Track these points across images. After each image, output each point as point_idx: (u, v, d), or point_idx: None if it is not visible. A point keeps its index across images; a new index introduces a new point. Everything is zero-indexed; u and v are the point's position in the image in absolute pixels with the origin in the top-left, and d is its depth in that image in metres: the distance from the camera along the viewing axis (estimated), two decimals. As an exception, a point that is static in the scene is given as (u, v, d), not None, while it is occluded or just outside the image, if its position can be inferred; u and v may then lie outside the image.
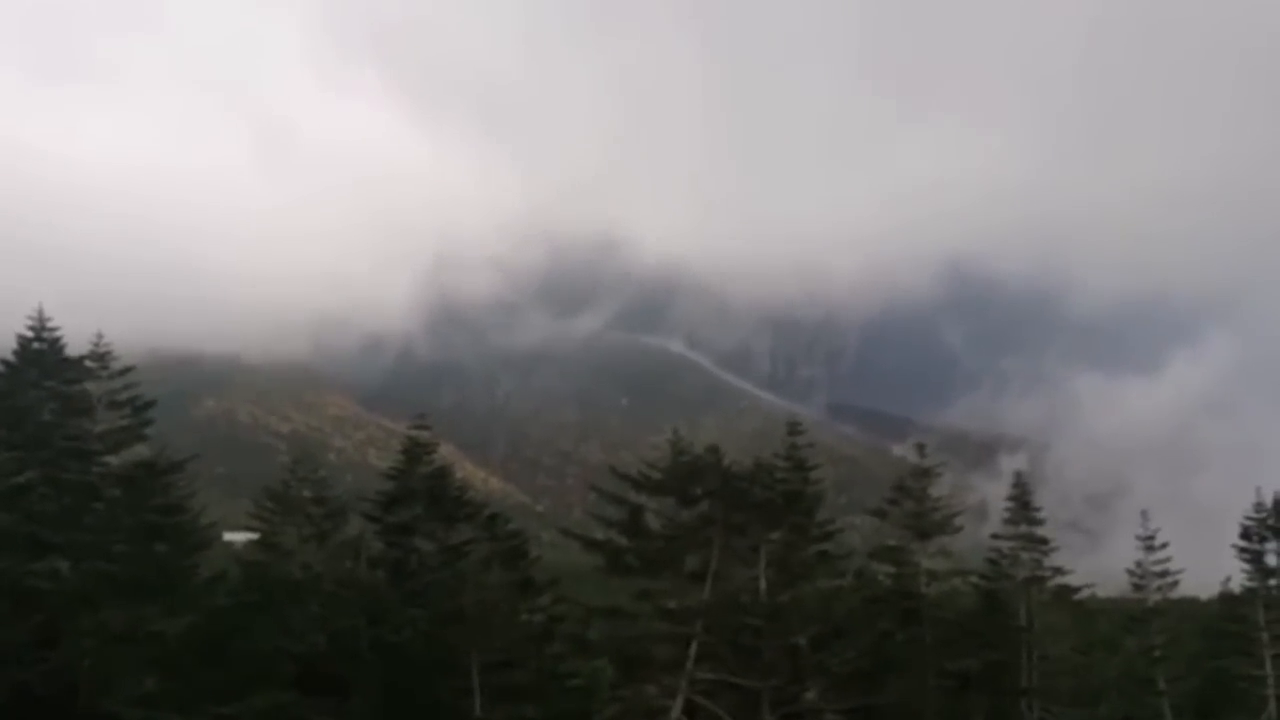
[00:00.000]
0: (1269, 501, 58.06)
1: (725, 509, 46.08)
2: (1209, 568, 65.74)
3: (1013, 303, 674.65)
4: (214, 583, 45.71)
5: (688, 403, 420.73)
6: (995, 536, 55.73)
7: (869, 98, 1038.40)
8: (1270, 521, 57.98)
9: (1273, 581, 58.75)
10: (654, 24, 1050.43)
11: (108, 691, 40.72)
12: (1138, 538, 59.71)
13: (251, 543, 50.81)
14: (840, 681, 46.23)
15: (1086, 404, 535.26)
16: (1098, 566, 67.46)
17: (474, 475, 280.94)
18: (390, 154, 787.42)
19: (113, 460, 44.95)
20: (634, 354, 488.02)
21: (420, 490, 48.47)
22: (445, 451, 57.32)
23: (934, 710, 49.44)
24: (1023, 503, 55.53)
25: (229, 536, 62.65)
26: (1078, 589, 55.56)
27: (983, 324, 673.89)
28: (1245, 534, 58.61)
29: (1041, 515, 55.79)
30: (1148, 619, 59.19)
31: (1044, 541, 54.92)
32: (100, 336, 45.52)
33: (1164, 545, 59.28)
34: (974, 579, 55.20)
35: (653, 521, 47.62)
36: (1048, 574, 54.61)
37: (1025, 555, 54.61)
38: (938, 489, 54.53)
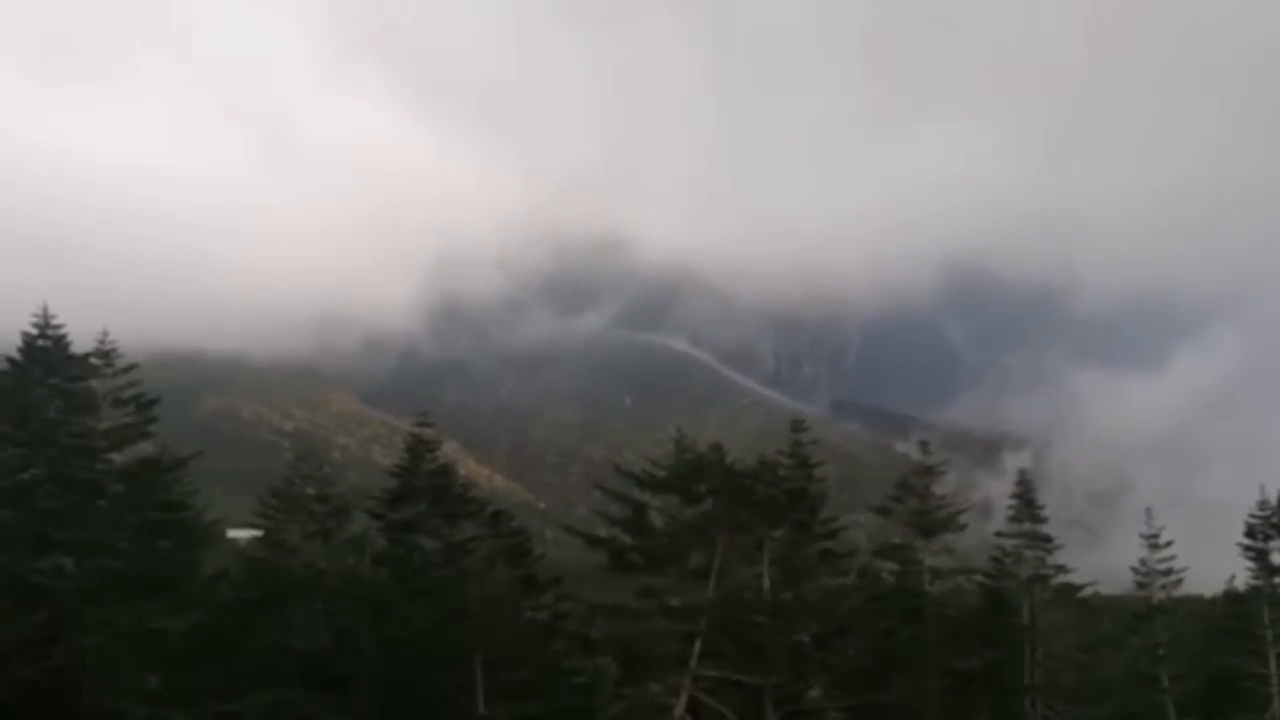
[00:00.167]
0: (1273, 499, 58.00)
1: (729, 507, 46.08)
2: (1213, 565, 65.67)
3: (1016, 300, 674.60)
4: (217, 580, 45.76)
5: (691, 401, 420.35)
6: (999, 534, 55.67)
7: (872, 96, 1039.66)
8: (1275, 519, 57.90)
9: (1277, 579, 58.64)
10: (657, 22, 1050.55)
11: (112, 688, 40.78)
12: (1142, 535, 59.69)
13: (255, 540, 50.87)
14: (844, 679, 46.24)
15: (1090, 401, 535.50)
16: (1101, 564, 67.24)
17: (477, 473, 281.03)
18: (394, 152, 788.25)
19: (117, 457, 44.96)
20: (637, 352, 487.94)
21: (424, 488, 48.50)
22: (448, 449, 57.46)
23: (937, 708, 49.43)
24: (1026, 500, 55.46)
25: (232, 534, 62.74)
26: (1081, 587, 55.49)
27: (986, 321, 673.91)
28: (1250, 532, 58.54)
29: (1045, 513, 55.70)
30: (1151, 617, 59.10)
31: (1047, 539, 54.85)
32: (105, 334, 45.54)
33: (1168, 543, 59.23)
34: (977, 577, 55.21)
35: (656, 519, 47.66)
36: (1051, 572, 54.54)
37: (1029, 553, 54.53)
38: (941, 487, 54.55)
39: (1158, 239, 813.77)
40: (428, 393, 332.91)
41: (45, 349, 44.87)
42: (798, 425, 52.07)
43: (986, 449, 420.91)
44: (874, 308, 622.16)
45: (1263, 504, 58.09)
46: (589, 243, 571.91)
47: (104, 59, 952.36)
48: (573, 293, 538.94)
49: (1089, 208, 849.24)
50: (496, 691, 45.34)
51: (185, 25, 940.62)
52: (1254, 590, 59.46)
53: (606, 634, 47.13)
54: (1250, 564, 58.98)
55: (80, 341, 45.40)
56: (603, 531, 49.03)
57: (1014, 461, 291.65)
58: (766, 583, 46.27)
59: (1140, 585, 60.08)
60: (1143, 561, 59.60)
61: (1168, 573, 59.40)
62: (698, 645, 44.81)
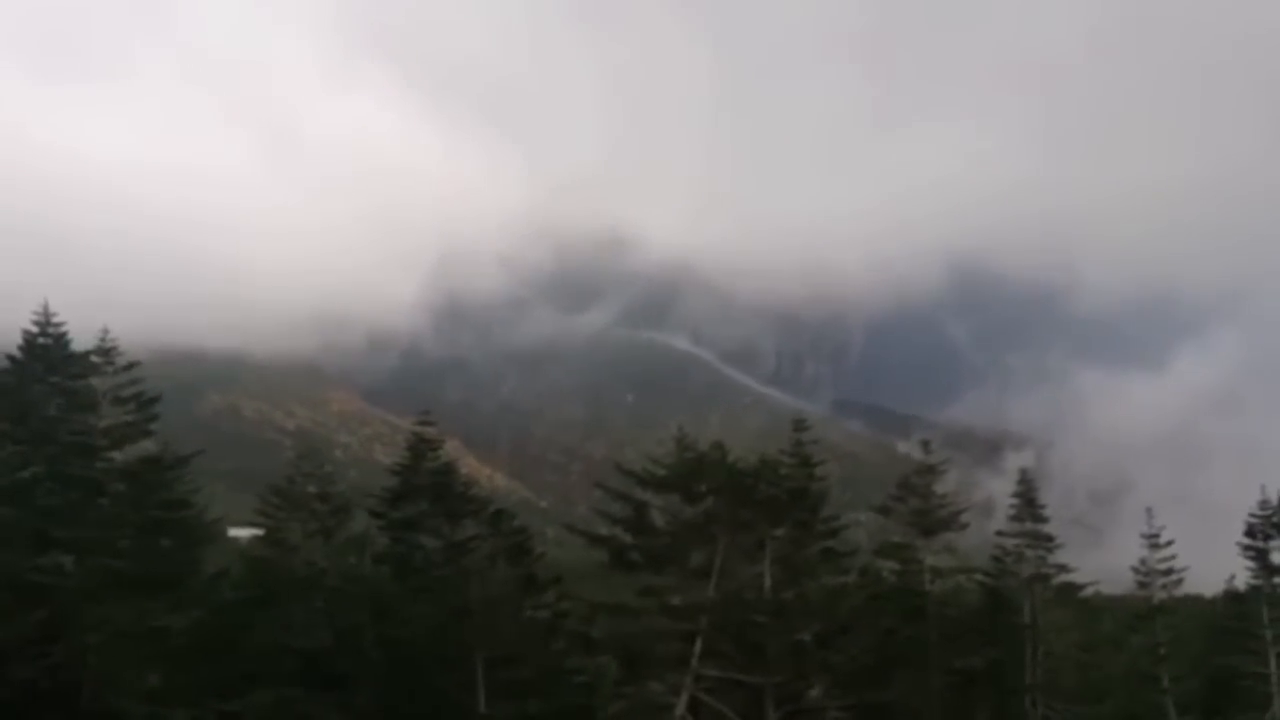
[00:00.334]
0: (1274, 499, 58.05)
1: (730, 505, 46.05)
2: (1214, 565, 65.66)
3: (1018, 299, 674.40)
4: (218, 578, 45.73)
5: (693, 399, 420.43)
6: (1000, 533, 55.65)
7: (873, 95, 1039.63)
8: (1275, 519, 57.92)
9: (1278, 579, 58.67)
10: (659, 22, 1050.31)
11: (112, 687, 40.75)
12: (1143, 535, 59.70)
13: (256, 538, 50.87)
14: (845, 678, 46.19)
15: (1092, 400, 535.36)
16: (1102, 563, 67.24)
17: (479, 471, 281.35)
18: (397, 151, 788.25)
19: (117, 455, 44.89)
20: (639, 351, 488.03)
21: (425, 486, 48.51)
22: (450, 447, 57.32)
23: (938, 707, 49.42)
24: (1028, 500, 55.44)
25: (234, 532, 62.79)
26: (1082, 586, 55.46)
27: (988, 320, 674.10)
28: (1250, 531, 58.54)
29: (1046, 512, 55.68)
30: (1152, 616, 59.11)
31: (1049, 538, 54.82)
32: (106, 332, 45.48)
33: (1169, 542, 59.23)
34: (979, 576, 55.20)
35: (657, 518, 47.61)
36: (1052, 571, 54.51)
37: (1030, 552, 54.51)
38: (943, 486, 54.55)
39: (1159, 238, 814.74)
40: (429, 391, 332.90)
41: (46, 346, 44.81)
42: (799, 424, 52.02)
43: (988, 448, 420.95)
44: (876, 307, 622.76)
45: (1263, 504, 58.09)
46: (591, 241, 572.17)
47: (106, 57, 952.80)
48: (575, 291, 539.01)
49: (1091, 207, 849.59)
50: (497, 690, 45.35)
51: (188, 23, 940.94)
52: (1254, 590, 59.46)
53: (607, 633, 47.10)
54: (1250, 564, 59.00)
55: (81, 339, 45.34)
56: (604, 530, 48.94)
57: (1015, 460, 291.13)
58: (768, 582, 46.23)
59: (1141, 585, 60.09)
60: (1143, 561, 59.61)
61: (1168, 572, 59.41)
62: (699, 644, 44.77)
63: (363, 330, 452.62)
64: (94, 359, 45.03)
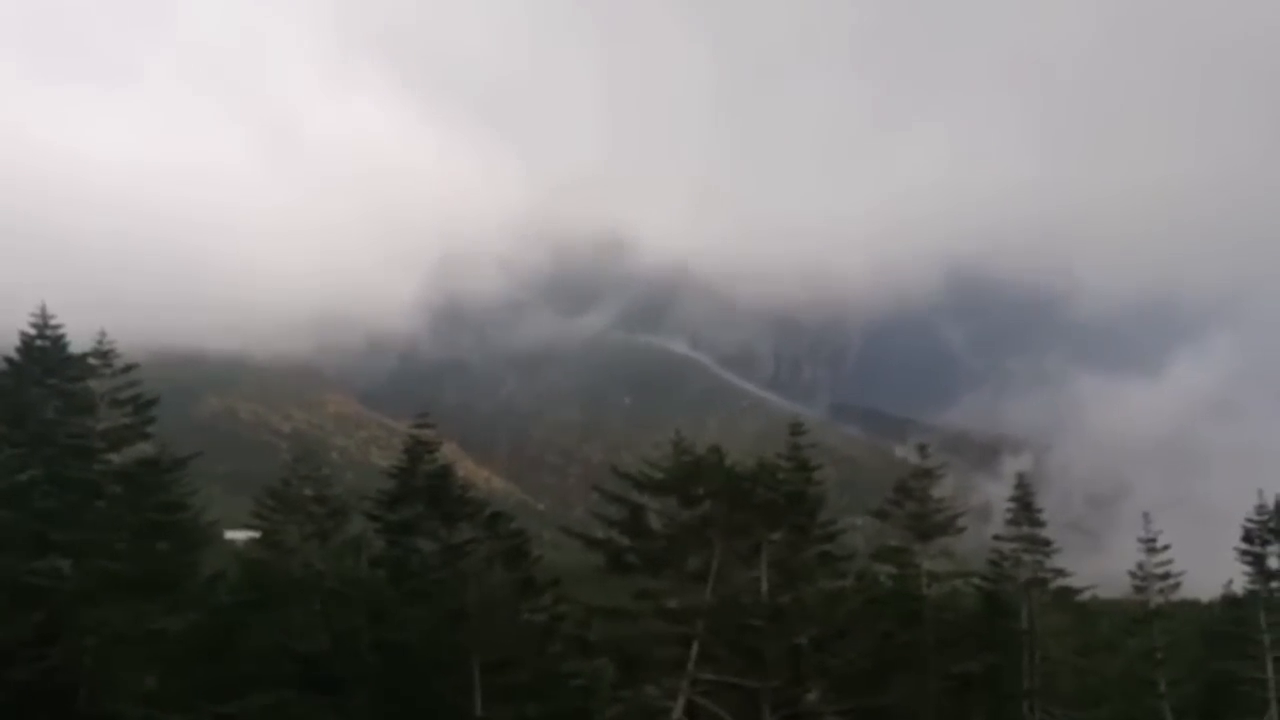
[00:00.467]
0: (1272, 504, 58.02)
1: (727, 509, 46.04)
2: (1211, 570, 65.73)
3: (1015, 303, 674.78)
4: (215, 581, 45.66)
5: (690, 403, 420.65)
6: (997, 538, 55.59)
7: (872, 97, 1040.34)
8: (1272, 524, 57.92)
9: (1275, 584, 58.70)
10: (658, 23, 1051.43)
11: (109, 690, 40.69)
12: (1140, 539, 59.66)
13: (253, 541, 50.84)
14: (841, 682, 46.20)
15: (1089, 405, 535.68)
16: (1099, 568, 67.29)
17: (476, 474, 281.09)
18: (395, 152, 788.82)
19: (115, 458, 44.84)
20: (637, 354, 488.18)
21: (422, 489, 48.47)
22: (447, 450, 57.38)
23: (935, 712, 49.36)
24: (1025, 504, 55.38)
25: (230, 535, 62.67)
26: (1079, 590, 55.39)
27: (985, 324, 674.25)
28: (1247, 536, 58.56)
29: (1043, 516, 55.58)
30: (1149, 621, 59.09)
31: (1046, 543, 54.74)
32: (103, 334, 45.40)
33: (1166, 547, 59.21)
34: (976, 580, 55.13)
35: (654, 521, 47.59)
36: (1049, 575, 54.42)
37: (1027, 556, 54.42)
38: (940, 490, 54.46)
39: (1158, 242, 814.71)
40: (427, 393, 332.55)
41: (43, 349, 44.76)
42: (796, 428, 52.00)
43: (985, 452, 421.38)
44: (874, 310, 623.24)
45: (1260, 509, 58.10)
46: (589, 243, 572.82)
47: (105, 58, 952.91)
48: (573, 293, 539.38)
49: (1089, 210, 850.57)
50: (494, 693, 45.30)
51: (187, 24, 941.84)
52: (1251, 595, 59.51)
53: (604, 636, 47.09)
54: (1248, 569, 59.02)
55: (79, 341, 45.28)
56: (601, 533, 48.96)
57: (1013, 465, 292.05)
58: (765, 585, 46.22)
59: (1138, 589, 60.05)
60: (1141, 565, 59.57)
61: (1165, 577, 59.38)
62: (695, 648, 44.75)
63: (361, 332, 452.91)
64: (92, 361, 44.97)
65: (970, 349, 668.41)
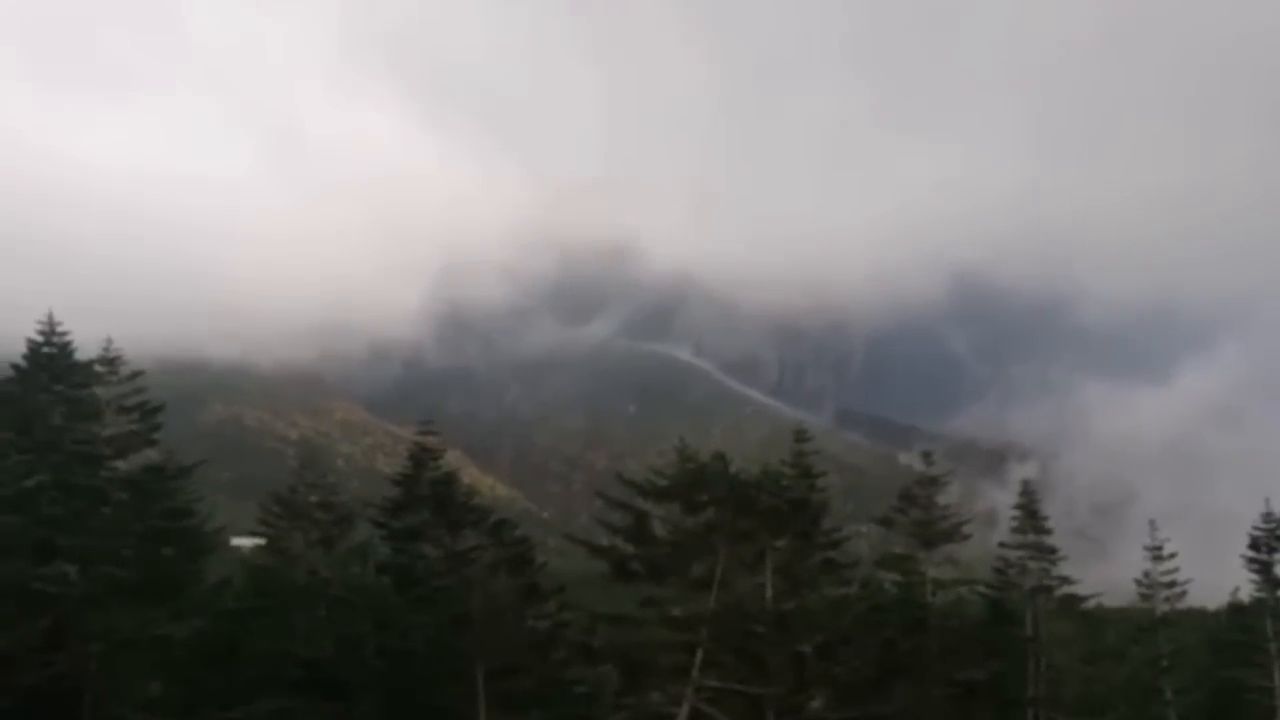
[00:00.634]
0: (1278, 511, 57.91)
1: (731, 516, 46.04)
2: (1217, 578, 65.56)
3: (1021, 310, 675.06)
4: (221, 587, 45.76)
5: (695, 410, 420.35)
6: (1002, 545, 55.58)
7: (875, 105, 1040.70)
8: (1279, 532, 57.80)
9: (1281, 592, 58.58)
10: (661, 31, 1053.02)
11: (115, 695, 40.80)
12: (1146, 547, 59.62)
13: (258, 548, 50.85)
14: (845, 690, 46.14)
15: (1095, 412, 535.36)
16: (1105, 576, 67.35)
17: (481, 481, 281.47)
18: (399, 160, 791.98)
19: (121, 465, 44.99)
20: (641, 361, 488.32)
21: (427, 496, 48.52)
22: (452, 457, 57.33)
23: (939, 719, 49.29)
24: (1030, 511, 55.36)
25: (236, 541, 62.68)
26: (1085, 598, 55.33)
27: (990, 332, 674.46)
28: (1254, 544, 58.48)
29: (1049, 524, 55.56)
30: (1155, 629, 59.04)
31: (1051, 550, 54.74)
32: (109, 341, 45.58)
33: (1172, 555, 59.18)
34: (981, 588, 55.08)
35: (659, 528, 47.57)
36: (1055, 583, 54.42)
37: (1032, 564, 54.42)
38: (945, 497, 54.45)
39: (1163, 248, 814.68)
40: (432, 401, 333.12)
41: (50, 356, 44.92)
42: (801, 435, 51.97)
43: (991, 459, 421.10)
44: (878, 318, 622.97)
45: (1267, 516, 58.05)
46: (594, 251, 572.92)
47: (109, 65, 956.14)
48: (577, 301, 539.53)
49: (1094, 218, 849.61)
50: (498, 700, 45.30)
51: (191, 32, 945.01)
52: (1258, 603, 59.41)
53: (608, 643, 47.09)
54: (1254, 576, 58.96)
55: (85, 348, 45.46)
56: (605, 540, 48.90)
57: (1018, 472, 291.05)
58: (769, 592, 46.18)
59: (1144, 597, 60.03)
60: (1147, 573, 59.56)
61: (1172, 584, 59.36)
62: (699, 655, 44.73)
63: (365, 340, 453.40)
64: (98, 368, 45.14)
65: (975, 356, 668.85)
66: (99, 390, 45.06)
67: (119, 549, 42.52)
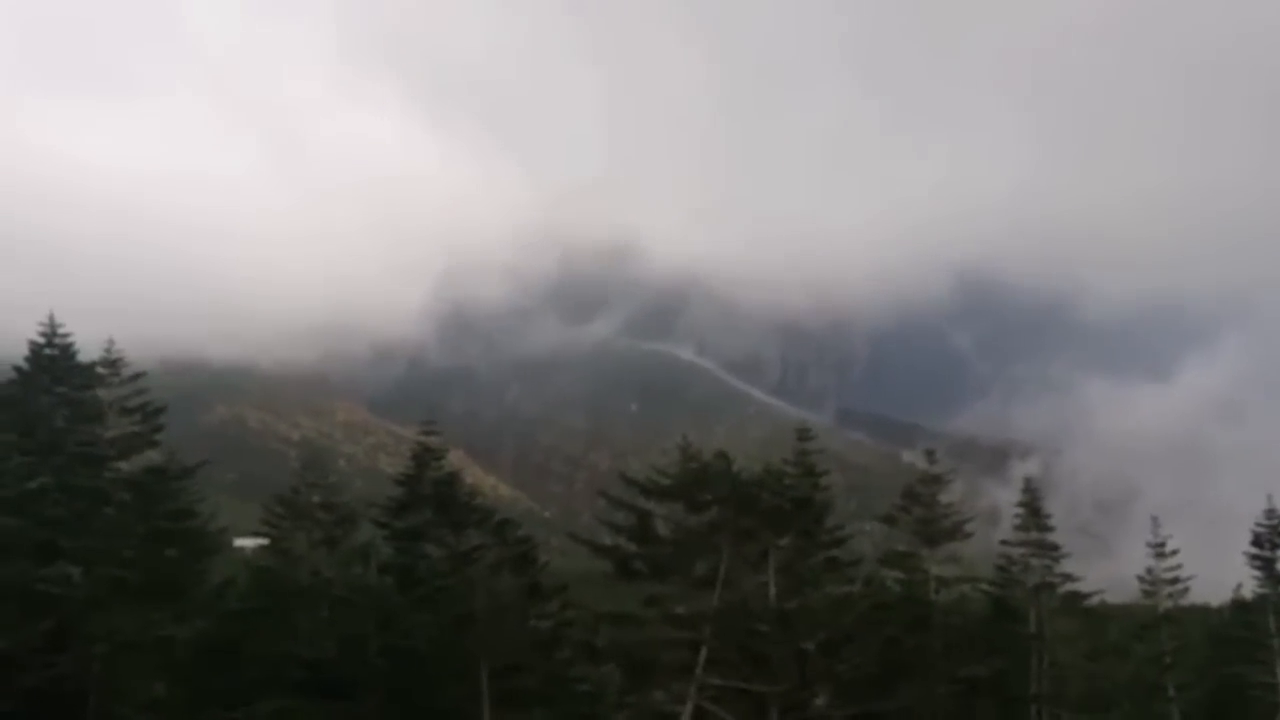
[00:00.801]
0: (1280, 508, 57.90)
1: (734, 515, 46.02)
2: (1220, 574, 65.58)
3: (1022, 308, 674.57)
4: (224, 588, 45.84)
5: (697, 409, 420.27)
6: (1005, 543, 55.56)
7: (878, 104, 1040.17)
8: (1281, 528, 57.81)
9: (1284, 588, 58.55)
10: (663, 31, 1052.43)
11: (118, 696, 40.88)
12: (1149, 544, 59.62)
13: (261, 548, 50.93)
14: (849, 687, 46.13)
15: (1097, 409, 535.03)
16: (1108, 572, 67.33)
17: (483, 481, 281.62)
18: (401, 160, 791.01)
19: (124, 466, 45.08)
20: (644, 360, 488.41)
21: (429, 496, 48.55)
22: (454, 457, 57.33)
23: (943, 716, 49.32)
24: (1033, 509, 55.35)
25: (239, 542, 62.78)
26: (1088, 595, 55.33)
27: (993, 330, 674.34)
28: (1257, 540, 58.47)
29: (1052, 521, 55.55)
30: (1158, 625, 59.02)
31: (1054, 548, 54.73)
32: (111, 342, 45.67)
33: (1175, 552, 59.17)
34: (984, 585, 55.07)
35: (661, 527, 47.56)
36: (1058, 580, 54.41)
37: (1036, 561, 54.41)
38: (948, 495, 54.45)
39: (1165, 245, 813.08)
40: (434, 401, 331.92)
41: (52, 357, 44.99)
42: (803, 433, 51.93)
43: (994, 457, 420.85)
44: (880, 316, 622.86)
45: (1270, 513, 58.05)
46: (596, 251, 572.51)
47: (111, 66, 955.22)
48: (579, 301, 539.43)
49: (1097, 215, 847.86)
50: (502, 699, 45.34)
51: (192, 33, 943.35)
52: (1261, 599, 59.43)
53: (611, 642, 47.07)
54: (1257, 573, 58.99)
55: (87, 350, 45.54)
56: (608, 539, 48.90)
57: (1021, 470, 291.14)
58: (772, 591, 46.16)
59: (1147, 594, 60.02)
60: (1150, 570, 59.55)
61: (1175, 581, 59.34)
62: (703, 653, 44.72)
63: (367, 340, 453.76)
64: (100, 370, 45.23)
65: (977, 354, 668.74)
66: (101, 392, 45.15)
67: (122, 550, 42.60)
